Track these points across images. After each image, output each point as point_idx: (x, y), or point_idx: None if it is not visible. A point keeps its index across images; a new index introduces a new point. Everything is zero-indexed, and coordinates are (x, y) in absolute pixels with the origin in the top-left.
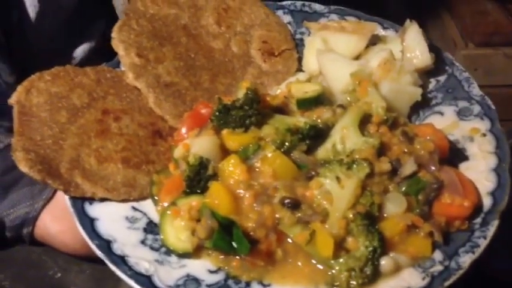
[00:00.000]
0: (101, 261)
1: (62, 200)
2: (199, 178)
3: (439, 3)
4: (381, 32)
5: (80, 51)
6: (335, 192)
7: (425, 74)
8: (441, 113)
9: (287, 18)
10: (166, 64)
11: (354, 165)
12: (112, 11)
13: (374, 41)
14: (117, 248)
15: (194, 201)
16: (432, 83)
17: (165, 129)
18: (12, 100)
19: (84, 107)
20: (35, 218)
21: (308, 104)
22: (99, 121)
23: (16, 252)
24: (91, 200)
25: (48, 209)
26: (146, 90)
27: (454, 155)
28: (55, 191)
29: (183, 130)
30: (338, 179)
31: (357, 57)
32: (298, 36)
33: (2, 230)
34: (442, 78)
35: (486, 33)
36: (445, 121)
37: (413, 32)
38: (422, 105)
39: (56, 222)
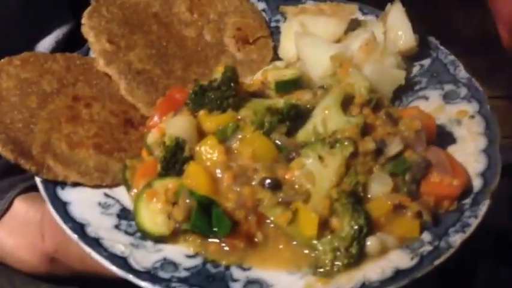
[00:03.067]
0: (61, 282)
1: (19, 212)
2: (175, 160)
3: None
4: (361, 17)
5: (43, 46)
6: (318, 172)
7: (408, 59)
8: (426, 98)
9: (261, 5)
10: (138, 51)
11: (337, 144)
12: None
13: (354, 26)
14: (91, 231)
15: (170, 183)
16: (416, 68)
17: (137, 118)
18: None
19: (54, 93)
20: None
21: (287, 86)
22: (69, 107)
23: None
24: (63, 184)
25: (3, 223)
26: (117, 76)
27: (441, 138)
28: (11, 203)
29: (156, 117)
30: (321, 158)
31: (337, 42)
32: (273, 24)
33: None
34: (427, 62)
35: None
36: (430, 105)
37: (396, 12)
38: (405, 90)
39: (12, 236)
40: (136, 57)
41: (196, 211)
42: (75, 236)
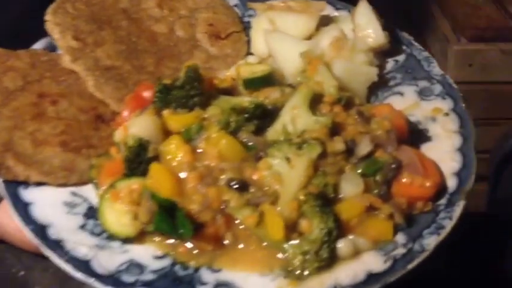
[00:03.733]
0: None
1: None
2: (139, 160)
3: None
4: (334, 13)
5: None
6: (285, 173)
7: (382, 55)
8: (401, 94)
9: (234, 1)
10: (106, 47)
11: (305, 145)
12: None
13: (323, 22)
14: (53, 233)
15: (135, 183)
16: (390, 64)
17: (107, 114)
18: None
19: (18, 90)
20: None
21: (256, 84)
22: (34, 104)
23: None
24: (26, 184)
25: (4, 205)
26: (85, 73)
27: (416, 136)
28: None
29: (125, 113)
30: (288, 159)
31: (306, 38)
32: (246, 19)
33: None
34: (401, 58)
35: (478, 27)
36: (405, 102)
37: (362, 9)
38: (380, 86)
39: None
40: (104, 53)
41: (158, 214)
42: (35, 240)
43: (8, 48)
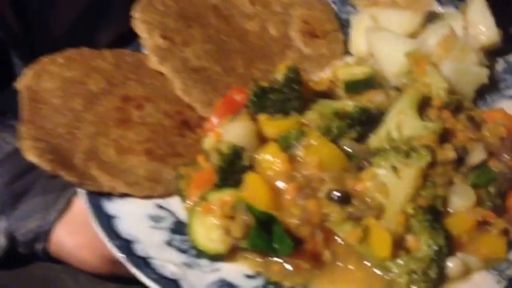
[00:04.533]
0: (127, 281)
1: (79, 211)
2: (232, 169)
3: None
4: (438, 8)
5: (104, 36)
6: (391, 184)
7: (491, 54)
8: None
9: None
10: (195, 47)
11: (413, 153)
12: None
13: (430, 18)
14: (139, 249)
15: (227, 195)
16: (500, 64)
17: (194, 119)
18: (20, 85)
19: (102, 94)
20: (47, 232)
21: (358, 87)
22: (118, 109)
23: (33, 269)
24: (110, 195)
25: (63, 222)
26: (172, 75)
27: None
28: (71, 201)
29: (214, 119)
30: (394, 168)
31: (412, 37)
32: (343, 16)
33: (14, 245)
34: None
35: None
36: None
37: (477, 5)
38: (489, 89)
39: (72, 236)
40: (193, 53)
41: (255, 229)
42: (121, 256)
43: (73, 45)
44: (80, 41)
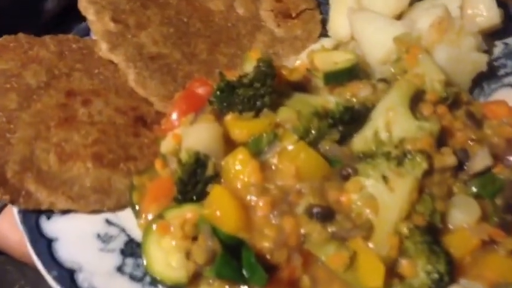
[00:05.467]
0: None
1: None
2: (195, 181)
3: None
4: None
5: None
6: (381, 197)
7: (489, 37)
8: None
9: None
10: (151, 31)
11: (407, 160)
12: None
13: None
14: (83, 280)
15: (188, 212)
16: (499, 48)
17: (151, 116)
18: None
19: (42, 88)
20: None
21: (339, 78)
22: (61, 106)
23: None
24: (49, 213)
25: (7, 215)
26: (125, 64)
27: None
28: None
29: (174, 116)
30: (385, 178)
31: (399, 17)
32: None
33: None
34: None
35: None
36: None
37: None
38: (487, 76)
39: (16, 231)
40: (149, 38)
41: (221, 256)
42: None
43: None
44: (23, 9)
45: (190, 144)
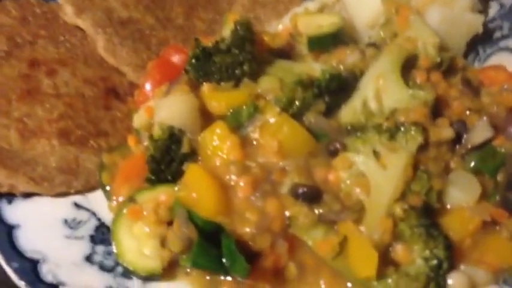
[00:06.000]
0: None
1: None
2: (169, 159)
3: None
4: None
5: None
6: (373, 175)
7: None
8: (510, 49)
9: None
10: None
11: (400, 133)
12: None
13: None
14: (47, 271)
15: (162, 194)
16: (494, 8)
17: (123, 86)
18: None
19: (3, 58)
20: None
21: (324, 43)
22: (24, 77)
23: None
24: (10, 196)
25: None
26: (93, 30)
27: None
28: None
29: (147, 87)
30: (376, 154)
31: None
32: None
33: None
34: (508, 0)
35: None
36: None
37: None
38: (482, 39)
39: None
40: (119, 1)
41: (198, 244)
42: (23, 284)
43: None
44: None
45: (163, 118)
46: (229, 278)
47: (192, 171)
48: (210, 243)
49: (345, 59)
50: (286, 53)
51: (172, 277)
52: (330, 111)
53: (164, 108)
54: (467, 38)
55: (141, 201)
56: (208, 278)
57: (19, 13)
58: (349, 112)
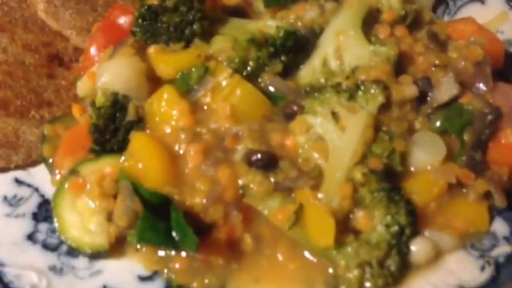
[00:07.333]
0: None
1: None
2: (114, 127)
3: None
4: None
5: None
6: (331, 138)
7: None
8: (481, 0)
9: None
10: None
11: (360, 92)
12: None
13: None
14: None
15: (107, 165)
16: None
17: (68, 52)
18: None
19: None
20: None
21: None
22: None
23: None
24: None
25: None
26: None
27: (508, 64)
28: None
29: (93, 51)
30: (335, 115)
31: None
32: None
33: None
34: None
35: None
36: (488, 12)
37: None
38: None
39: None
40: None
41: (143, 218)
42: None
43: None
44: None
45: (106, 83)
46: (183, 254)
47: (137, 140)
48: (159, 216)
49: (303, 15)
50: (242, 10)
51: (121, 254)
52: (288, 71)
53: (106, 72)
54: None
55: (84, 174)
56: (160, 254)
57: None
58: (308, 72)
